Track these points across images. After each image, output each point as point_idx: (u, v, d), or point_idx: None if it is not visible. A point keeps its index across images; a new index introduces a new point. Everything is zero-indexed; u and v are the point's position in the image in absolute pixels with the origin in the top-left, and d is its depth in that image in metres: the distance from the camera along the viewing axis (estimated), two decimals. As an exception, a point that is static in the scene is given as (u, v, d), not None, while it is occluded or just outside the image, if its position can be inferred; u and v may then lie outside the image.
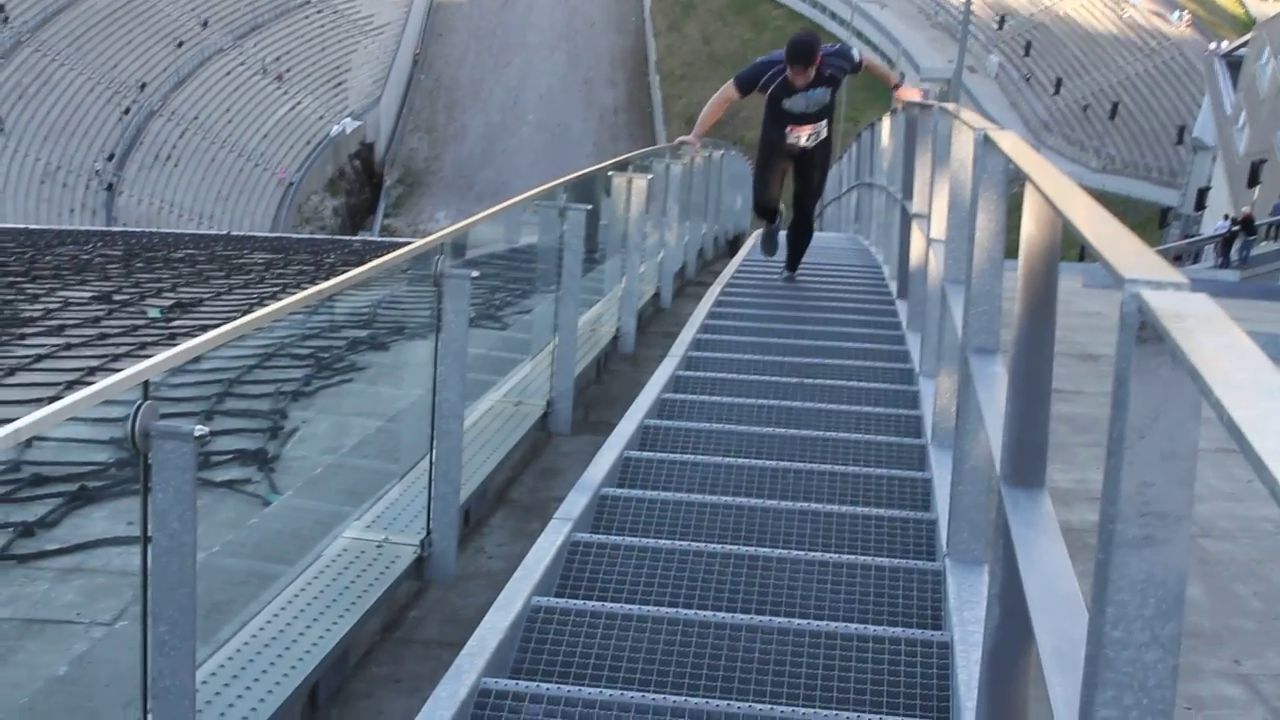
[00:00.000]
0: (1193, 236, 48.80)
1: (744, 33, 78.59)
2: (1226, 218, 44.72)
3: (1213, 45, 66.27)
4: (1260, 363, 1.54)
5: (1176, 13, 74.45)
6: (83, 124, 65.91)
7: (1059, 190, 3.00)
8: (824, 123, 10.83)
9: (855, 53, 10.86)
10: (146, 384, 3.11)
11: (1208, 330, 1.70)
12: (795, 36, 10.64)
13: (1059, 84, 74.26)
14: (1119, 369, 1.98)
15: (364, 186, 74.93)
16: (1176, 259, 41.48)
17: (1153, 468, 1.93)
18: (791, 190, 11.78)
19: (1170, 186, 63.22)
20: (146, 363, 3.10)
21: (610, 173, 9.77)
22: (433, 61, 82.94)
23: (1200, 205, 54.07)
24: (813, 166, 11.20)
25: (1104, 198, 63.11)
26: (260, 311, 3.73)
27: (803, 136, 10.77)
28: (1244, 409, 1.38)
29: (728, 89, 10.58)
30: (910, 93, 10.60)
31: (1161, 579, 1.95)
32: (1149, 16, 75.79)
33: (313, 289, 4.13)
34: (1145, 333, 1.88)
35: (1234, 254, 38.28)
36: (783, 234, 12.27)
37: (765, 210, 11.57)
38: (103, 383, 2.96)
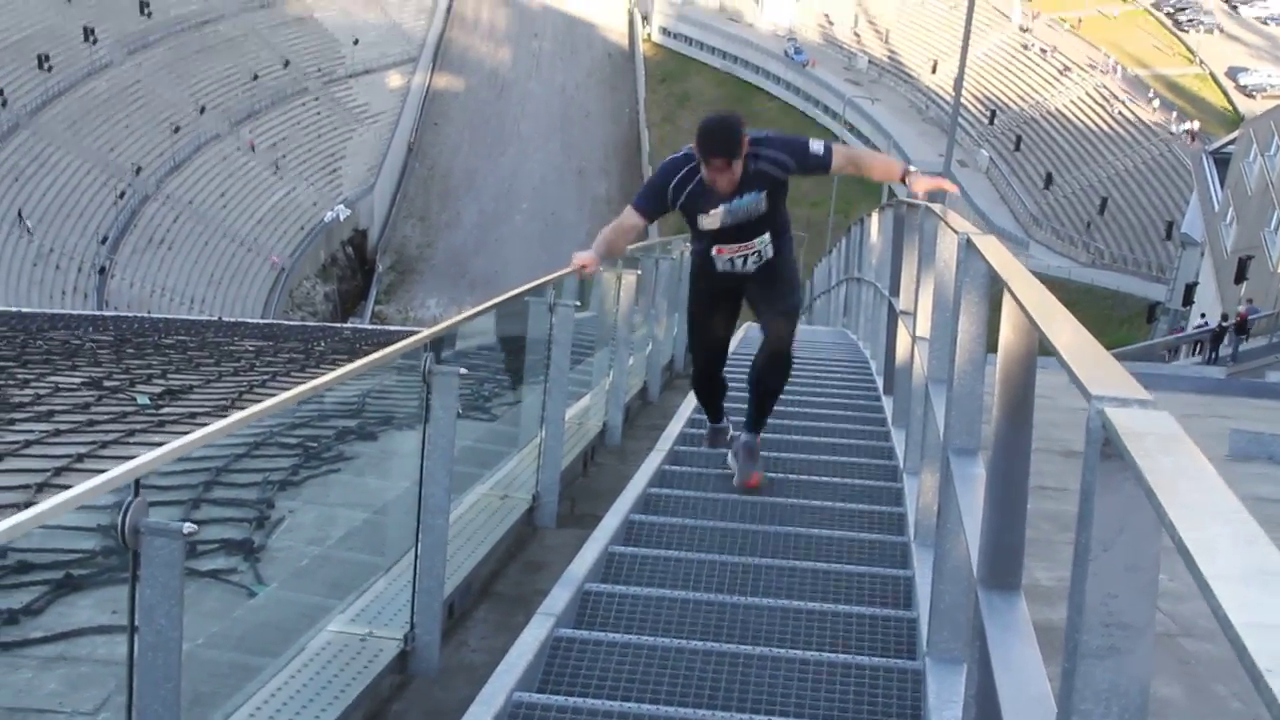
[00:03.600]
0: (1180, 331, 49.03)
1: (736, 125, 79.13)
2: (1203, 316, 44.99)
3: (1185, 126, 66.94)
4: (1214, 485, 1.60)
5: (1183, 121, 75.00)
6: (78, 207, 66.15)
7: (1036, 301, 3.06)
8: (764, 238, 7.40)
9: (816, 144, 7.22)
10: (138, 481, 3.16)
11: (1166, 450, 1.76)
12: (709, 117, 7.15)
13: (1049, 179, 74.86)
14: (1084, 483, 2.04)
15: (356, 273, 75.20)
16: (1164, 355, 41.71)
17: (1117, 580, 1.98)
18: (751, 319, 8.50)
19: (1159, 281, 63.59)
20: (138, 461, 3.14)
21: (600, 268, 9.84)
22: (427, 150, 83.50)
23: (1188, 300, 54.33)
24: (765, 290, 7.57)
25: (1092, 292, 63.72)
26: (249, 410, 3.78)
27: (735, 259, 7.43)
28: (1194, 531, 1.43)
29: (626, 217, 7.27)
30: (927, 183, 7.16)
31: (1125, 689, 1.99)
32: (1142, 113, 76.50)
33: (302, 387, 4.18)
34: (1109, 449, 1.94)
35: (1224, 349, 38.32)
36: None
37: (704, 378, 8.08)
38: (94, 481, 3.00)
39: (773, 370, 7.70)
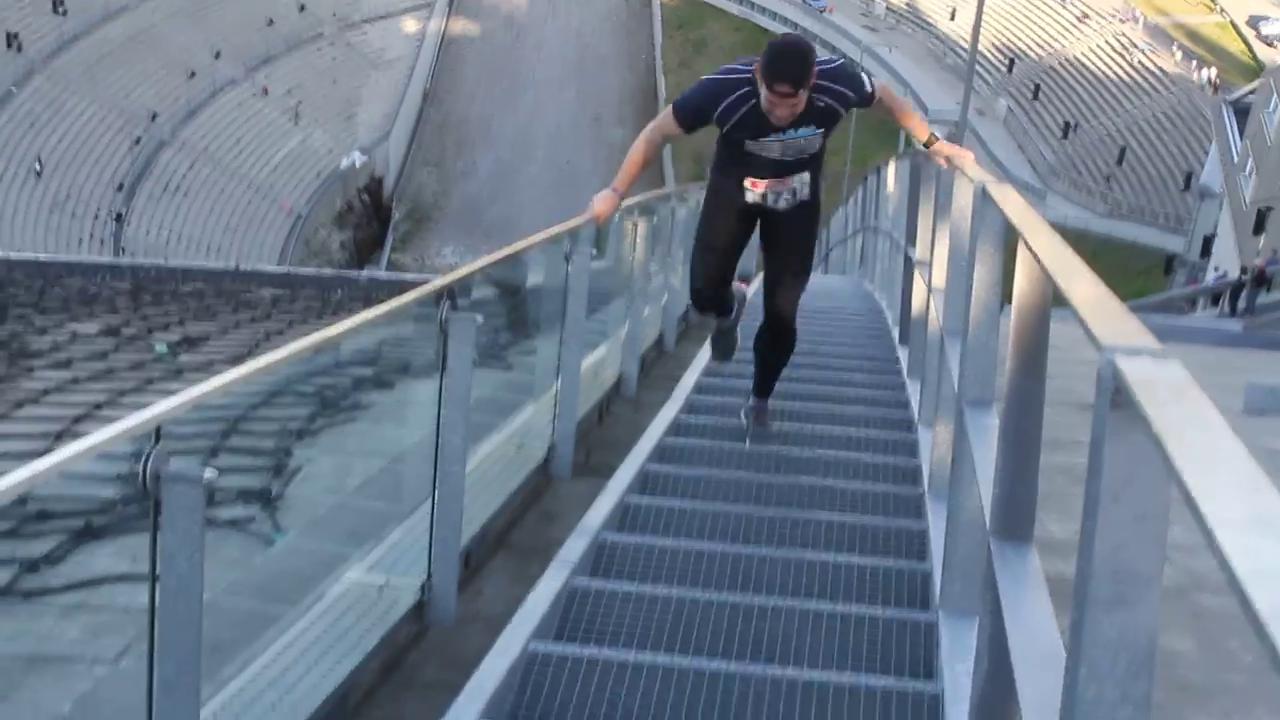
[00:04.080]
0: (1198, 283, 48.86)
1: (753, 73, 78.81)
2: (1218, 269, 44.72)
3: (1205, 74, 66.48)
4: (1222, 433, 1.60)
5: (1203, 70, 74.45)
6: (93, 154, 66.19)
7: (1051, 251, 3.06)
8: (804, 176, 6.99)
9: (866, 78, 6.98)
10: (159, 429, 3.18)
11: (1176, 399, 1.77)
12: (782, 40, 6.74)
13: (1067, 128, 74.47)
14: (1095, 433, 2.05)
15: (372, 220, 75.16)
16: (1182, 306, 41.56)
17: (1126, 530, 2.00)
18: (761, 272, 8.52)
19: (1177, 233, 63.31)
20: (160, 407, 3.17)
21: (618, 215, 9.83)
22: (443, 97, 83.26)
23: (1206, 252, 54.14)
24: (789, 235, 7.24)
25: (1110, 243, 63.51)
26: (268, 358, 3.80)
27: (769, 193, 6.98)
28: (1200, 478, 1.45)
29: (664, 121, 6.93)
30: (951, 151, 6.87)
31: (1133, 638, 2.01)
32: (1161, 61, 75.98)
33: (319, 335, 4.20)
34: (1119, 398, 1.95)
35: (1241, 303, 37.96)
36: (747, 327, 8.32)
37: (706, 301, 7.71)
38: (116, 427, 3.03)
39: (776, 345, 7.67)
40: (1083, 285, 2.55)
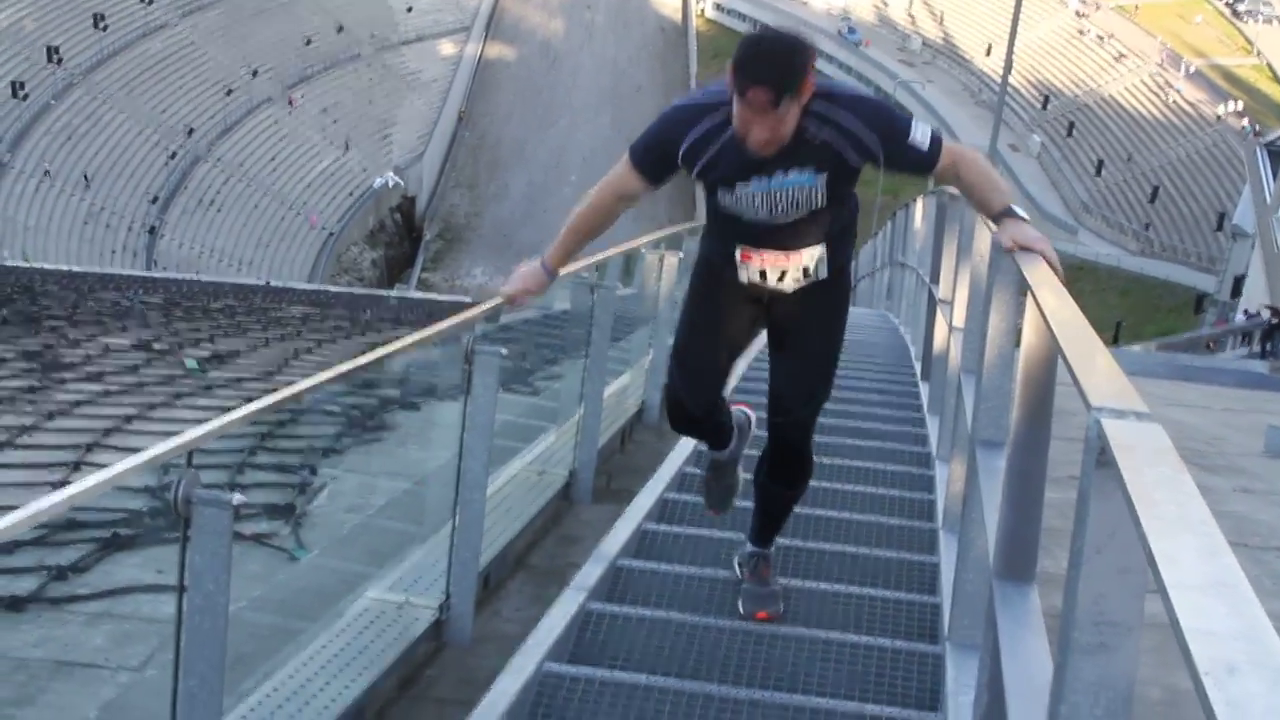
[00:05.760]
0: (1228, 323, 48.69)
1: (787, 103, 78.99)
2: (1246, 312, 44.56)
3: (1232, 108, 66.26)
4: (1190, 497, 1.72)
5: (1229, 103, 74.36)
6: (129, 167, 66.69)
7: (1056, 308, 3.17)
8: (817, 250, 4.85)
9: (919, 128, 4.61)
10: (190, 454, 3.32)
11: (1153, 463, 1.88)
12: (763, 30, 4.72)
13: (1100, 166, 74.42)
14: (1081, 488, 2.16)
15: (403, 240, 75.45)
16: (1208, 346, 41.44)
17: (1108, 581, 2.11)
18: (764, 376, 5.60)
19: (1208, 272, 63.13)
20: (190, 435, 3.30)
21: (642, 249, 9.93)
22: (478, 119, 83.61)
23: (1236, 292, 53.94)
24: (800, 331, 5.11)
25: (1141, 281, 63.36)
26: (295, 387, 3.93)
27: (769, 269, 4.85)
28: (1163, 541, 1.56)
29: (619, 173, 4.88)
30: (1020, 237, 4.25)
31: (1112, 682, 2.12)
32: (1195, 102, 75.93)
33: (345, 365, 4.33)
34: (1103, 458, 2.06)
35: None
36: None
37: (689, 421, 5.44)
38: (149, 453, 3.16)
39: (781, 478, 5.54)
40: (1079, 343, 2.66)
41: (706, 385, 5.25)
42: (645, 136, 4.79)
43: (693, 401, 5.24)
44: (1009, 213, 4.45)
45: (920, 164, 4.63)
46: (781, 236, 4.76)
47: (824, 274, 4.89)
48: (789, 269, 4.84)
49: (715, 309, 5.08)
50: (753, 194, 4.63)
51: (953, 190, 6.66)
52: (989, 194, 4.63)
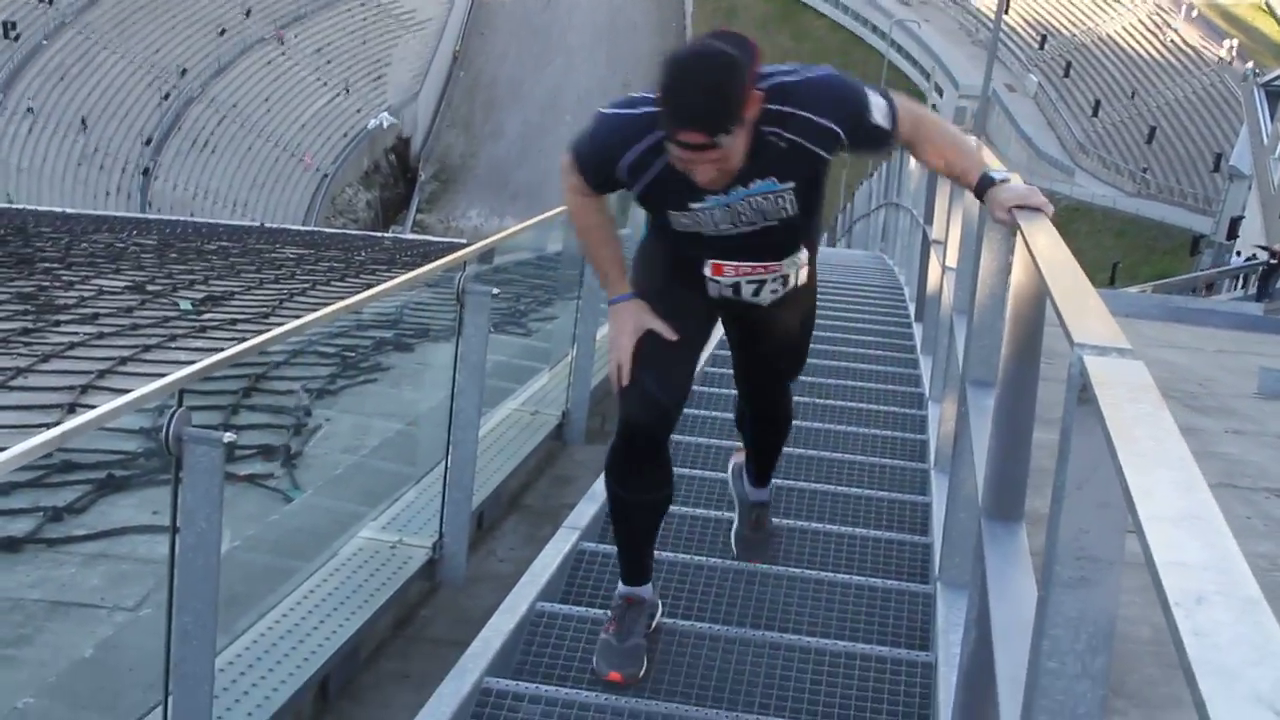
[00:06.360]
0: (1224, 266, 48.66)
1: (785, 42, 78.65)
2: (1238, 253, 44.43)
3: (1246, 64, 66.01)
4: (1168, 433, 1.73)
5: (1227, 42, 74.02)
6: (122, 107, 66.40)
7: (1045, 247, 3.17)
8: (796, 257, 4.32)
9: (876, 102, 3.99)
10: (181, 391, 3.33)
11: (1133, 399, 1.90)
12: (687, 51, 3.74)
13: (1097, 106, 74.15)
14: (1064, 424, 2.18)
15: (398, 181, 75.22)
16: (1208, 287, 41.40)
17: (1089, 516, 2.12)
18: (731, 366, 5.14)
19: (1204, 214, 62.98)
20: (181, 372, 3.31)
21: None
22: (473, 59, 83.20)
23: (1233, 234, 53.88)
24: (775, 336, 4.64)
25: (1137, 222, 63.27)
26: (287, 326, 3.95)
27: (744, 282, 4.27)
28: (1140, 476, 1.58)
29: (569, 179, 4.19)
30: (1013, 200, 3.78)
31: (1093, 617, 2.14)
32: (1194, 40, 75.57)
33: (338, 305, 4.34)
34: (1085, 394, 2.07)
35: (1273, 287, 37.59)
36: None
37: (637, 451, 4.33)
38: (139, 391, 3.17)
39: (766, 430, 5.20)
40: (1065, 282, 2.67)
41: (664, 377, 4.24)
42: (581, 150, 4.12)
43: (648, 410, 4.20)
44: (987, 180, 4.00)
45: (883, 141, 4.12)
46: (752, 246, 4.18)
47: (802, 279, 4.40)
48: (765, 281, 4.28)
49: (674, 301, 4.30)
50: (710, 209, 4.02)
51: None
52: (959, 160, 4.18)
